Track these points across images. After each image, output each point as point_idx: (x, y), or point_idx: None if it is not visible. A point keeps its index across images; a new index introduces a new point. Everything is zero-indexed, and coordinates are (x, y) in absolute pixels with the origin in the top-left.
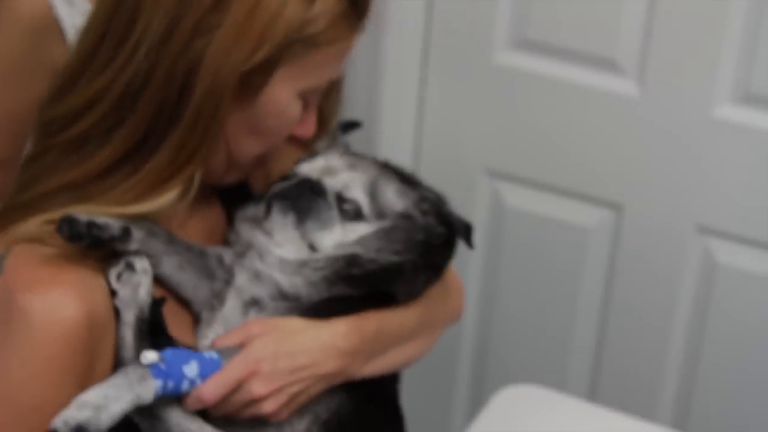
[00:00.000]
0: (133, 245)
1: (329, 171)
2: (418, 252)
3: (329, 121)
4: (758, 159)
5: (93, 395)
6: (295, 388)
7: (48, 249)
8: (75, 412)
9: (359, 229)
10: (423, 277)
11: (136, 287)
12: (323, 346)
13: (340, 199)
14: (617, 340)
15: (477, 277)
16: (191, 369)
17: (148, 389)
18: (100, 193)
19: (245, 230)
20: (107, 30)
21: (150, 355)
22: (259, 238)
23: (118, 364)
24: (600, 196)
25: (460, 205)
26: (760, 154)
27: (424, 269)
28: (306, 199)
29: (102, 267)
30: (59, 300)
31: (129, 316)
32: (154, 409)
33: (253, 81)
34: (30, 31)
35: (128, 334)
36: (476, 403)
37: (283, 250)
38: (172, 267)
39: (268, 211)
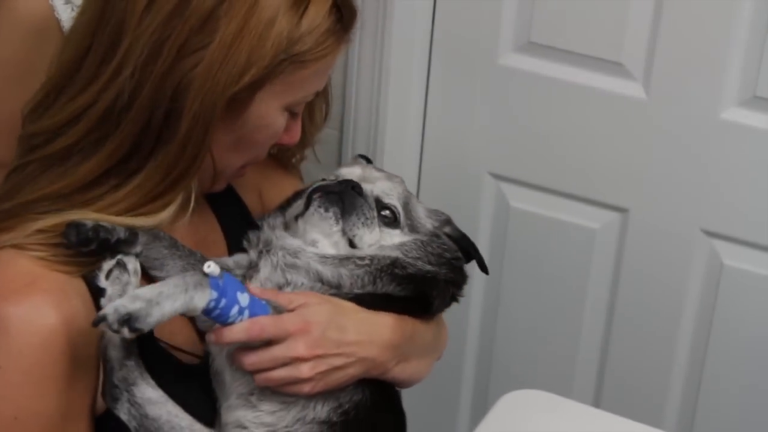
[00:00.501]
0: (138, 248)
1: (367, 178)
2: (447, 268)
3: (316, 125)
4: (765, 162)
5: (147, 290)
6: (336, 361)
7: (26, 254)
8: (127, 302)
9: (395, 236)
10: (450, 293)
11: (125, 286)
12: (371, 330)
13: (379, 203)
14: (623, 344)
15: (481, 280)
16: (244, 299)
17: (203, 296)
18: (84, 203)
19: (272, 234)
20: (91, 45)
21: (213, 266)
22: (289, 240)
23: (106, 363)
24: (606, 199)
25: (464, 208)
26: (765, 156)
27: (452, 285)
28: (349, 196)
29: (83, 269)
30: (36, 308)
31: None
32: (144, 407)
33: (239, 99)
34: (31, 33)
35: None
36: (480, 407)
37: (319, 247)
38: (175, 270)
39: (307, 206)
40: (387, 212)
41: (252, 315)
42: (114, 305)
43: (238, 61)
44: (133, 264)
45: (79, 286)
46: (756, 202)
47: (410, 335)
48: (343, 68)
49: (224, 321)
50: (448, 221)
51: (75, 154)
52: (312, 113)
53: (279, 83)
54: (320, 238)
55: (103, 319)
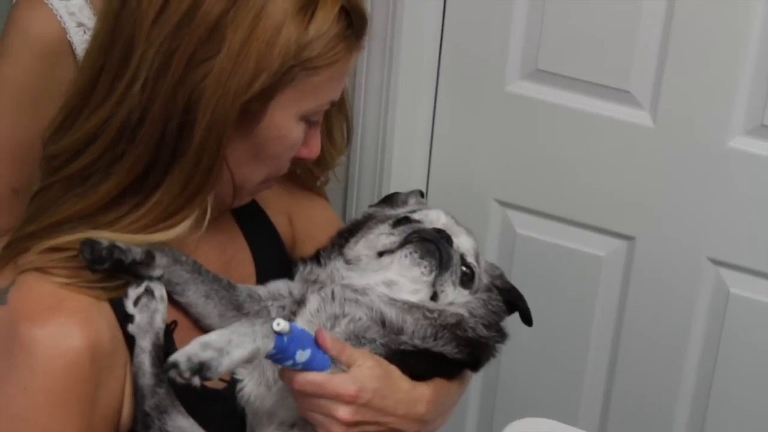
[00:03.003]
0: (157, 271)
1: (450, 229)
2: (497, 332)
3: (337, 147)
4: None
5: (217, 338)
6: (370, 428)
7: (52, 278)
8: (199, 350)
9: (465, 295)
10: (493, 354)
11: (153, 314)
12: (409, 405)
13: (462, 261)
14: (629, 372)
15: None
16: (303, 355)
17: (264, 350)
18: (107, 224)
19: (331, 268)
20: (104, 64)
21: (282, 323)
22: (356, 278)
23: (137, 391)
24: (612, 227)
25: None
26: None
27: (497, 346)
28: (446, 250)
29: (107, 294)
30: (61, 331)
31: (146, 343)
32: (155, 406)
33: (252, 108)
34: (44, 56)
35: (146, 361)
36: None
37: (394, 290)
38: (197, 296)
39: (401, 245)
40: (467, 270)
41: (308, 367)
42: (187, 353)
43: (247, 69)
44: (159, 291)
45: (105, 309)
46: (762, 230)
47: (442, 402)
48: (351, 93)
49: (279, 364)
50: (501, 275)
51: (94, 173)
52: (331, 134)
53: (291, 91)
54: (403, 281)
55: (175, 366)
